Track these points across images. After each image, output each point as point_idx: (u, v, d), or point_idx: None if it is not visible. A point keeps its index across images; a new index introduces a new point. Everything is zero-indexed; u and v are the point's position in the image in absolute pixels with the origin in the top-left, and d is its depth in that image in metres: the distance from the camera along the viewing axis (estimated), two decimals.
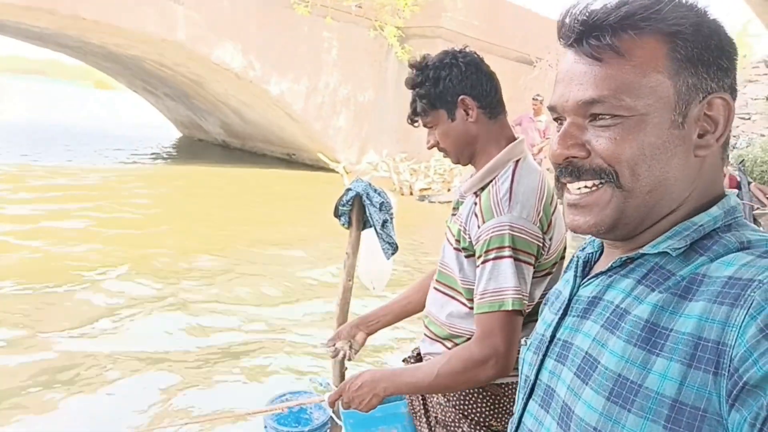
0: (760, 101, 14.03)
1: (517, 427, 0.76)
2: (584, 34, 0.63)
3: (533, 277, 1.28)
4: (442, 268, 1.46)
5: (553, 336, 0.73)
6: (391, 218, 1.92)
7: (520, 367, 0.81)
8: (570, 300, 0.73)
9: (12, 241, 5.77)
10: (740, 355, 0.51)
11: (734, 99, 0.64)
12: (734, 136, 13.59)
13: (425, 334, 1.51)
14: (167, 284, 4.98)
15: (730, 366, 0.52)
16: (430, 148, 1.48)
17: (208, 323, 4.24)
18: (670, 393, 0.55)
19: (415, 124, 1.47)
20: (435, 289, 1.48)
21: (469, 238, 1.32)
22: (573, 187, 0.67)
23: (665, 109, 0.61)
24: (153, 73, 14.96)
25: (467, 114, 1.37)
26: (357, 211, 1.95)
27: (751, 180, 9.60)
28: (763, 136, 12.78)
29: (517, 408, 0.78)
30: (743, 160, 10.54)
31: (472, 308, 1.34)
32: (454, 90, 1.36)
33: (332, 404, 1.40)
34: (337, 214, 1.97)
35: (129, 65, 15.12)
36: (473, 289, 1.31)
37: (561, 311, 0.73)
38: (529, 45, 14.29)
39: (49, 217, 6.96)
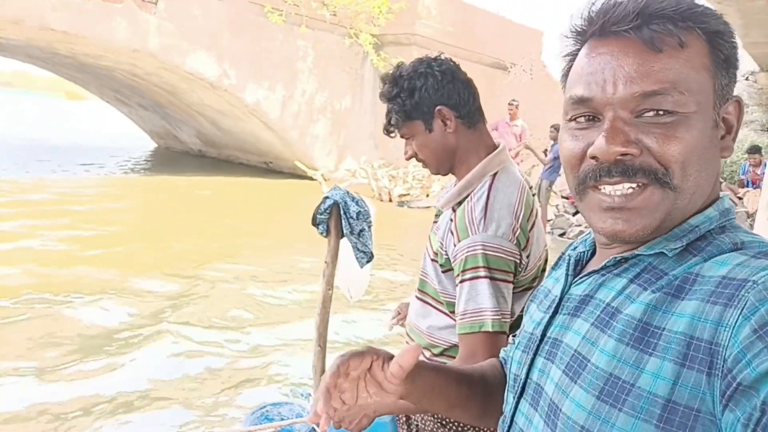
0: None
1: (509, 427, 0.75)
2: (645, 20, 0.60)
3: (513, 293, 1.26)
4: (423, 277, 1.44)
5: (543, 334, 0.72)
6: (369, 227, 1.91)
7: (508, 366, 0.80)
8: (561, 298, 0.72)
9: None
10: (734, 356, 0.51)
11: None
12: None
13: (407, 342, 1.50)
14: (142, 301, 4.89)
15: (723, 366, 0.51)
16: (408, 159, 1.44)
17: (183, 336, 4.16)
18: (663, 392, 0.54)
19: (392, 135, 1.43)
20: (416, 298, 1.47)
21: (446, 255, 1.31)
22: (614, 188, 0.62)
23: (709, 108, 0.61)
24: (125, 84, 14.74)
25: (445, 125, 1.34)
26: (335, 219, 1.94)
27: (721, 180, 9.86)
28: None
29: (507, 408, 0.77)
30: None
31: (454, 320, 1.33)
32: (430, 100, 1.32)
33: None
34: (315, 223, 1.96)
35: (100, 76, 14.88)
36: (453, 301, 1.30)
37: (552, 309, 0.73)
38: (503, 51, 14.49)
39: (21, 233, 6.78)
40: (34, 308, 4.44)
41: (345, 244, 1.95)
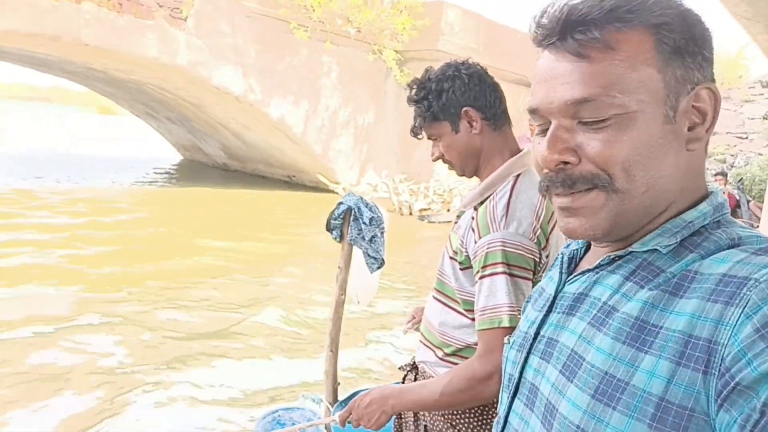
0: (757, 121, 14.14)
1: (503, 427, 0.74)
2: (568, 30, 0.60)
3: None
4: (440, 277, 1.46)
5: (537, 333, 0.71)
6: (382, 233, 1.92)
7: (503, 366, 0.79)
8: (555, 297, 0.72)
9: (14, 259, 5.78)
10: (733, 355, 0.49)
11: None
12: (732, 155, 13.66)
13: (420, 341, 1.51)
14: (159, 303, 4.97)
15: (721, 365, 0.50)
16: (434, 160, 1.48)
17: (197, 341, 4.21)
18: (657, 391, 0.53)
19: (419, 137, 1.47)
20: (433, 297, 1.48)
21: (467, 252, 1.32)
22: (561, 194, 0.64)
23: (657, 104, 0.59)
24: (154, 98, 15.14)
25: (471, 126, 1.37)
26: (348, 224, 1.96)
27: (750, 198, 9.63)
28: (761, 155, 12.83)
29: (501, 408, 0.76)
30: (742, 178, 10.59)
31: (469, 319, 1.34)
32: (457, 102, 1.35)
33: (343, 423, 1.41)
34: (329, 228, 1.98)
35: (131, 90, 15.32)
36: (471, 299, 1.31)
37: (546, 308, 0.72)
38: (526, 67, 14.47)
39: (45, 240, 6.98)
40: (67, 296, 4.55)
41: (357, 249, 1.96)
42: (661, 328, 0.56)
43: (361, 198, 1.97)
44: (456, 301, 1.39)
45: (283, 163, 15.14)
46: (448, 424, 1.38)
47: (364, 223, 1.91)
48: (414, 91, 1.41)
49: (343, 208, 1.93)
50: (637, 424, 0.54)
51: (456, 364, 1.37)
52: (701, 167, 0.65)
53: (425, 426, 1.43)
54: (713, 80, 0.63)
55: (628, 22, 0.59)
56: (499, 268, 1.22)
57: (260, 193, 13.19)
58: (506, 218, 1.25)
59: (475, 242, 1.28)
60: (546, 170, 0.64)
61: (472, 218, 1.33)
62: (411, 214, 11.78)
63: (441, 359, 1.42)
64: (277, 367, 3.92)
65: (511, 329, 1.19)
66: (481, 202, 1.34)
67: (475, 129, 1.37)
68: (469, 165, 1.41)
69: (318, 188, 13.88)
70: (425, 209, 11.93)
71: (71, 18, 9.63)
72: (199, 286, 5.65)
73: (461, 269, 1.35)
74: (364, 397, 1.34)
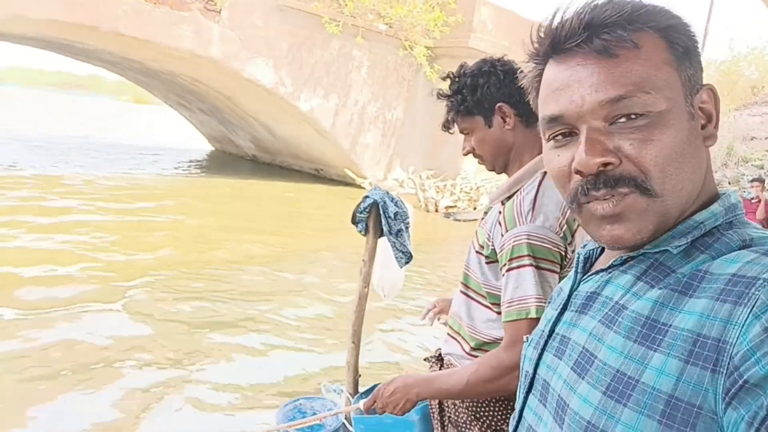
0: None
1: (518, 423, 0.76)
2: (593, 32, 0.61)
3: None
4: (466, 271, 1.47)
5: (552, 331, 0.73)
6: (407, 227, 1.94)
7: (521, 363, 0.81)
8: (570, 295, 0.74)
9: (41, 245, 5.97)
10: (742, 354, 0.50)
11: None
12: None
13: (447, 333, 1.53)
14: (186, 292, 5.07)
15: (729, 364, 0.51)
16: (465, 154, 1.49)
17: (219, 331, 4.29)
18: (666, 388, 0.54)
19: (450, 131, 1.49)
20: (460, 291, 1.50)
21: (493, 246, 1.33)
22: (604, 199, 0.62)
23: (681, 101, 0.61)
24: (187, 88, 15.39)
25: (504, 121, 1.38)
26: (374, 218, 1.98)
27: None
28: None
29: (517, 403, 0.78)
30: None
31: (495, 312, 1.35)
32: (491, 97, 1.37)
33: (367, 411, 1.43)
34: (354, 221, 2.00)
35: (165, 80, 15.60)
36: (497, 293, 1.33)
37: (561, 307, 0.74)
38: None
39: (74, 226, 7.18)
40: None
41: (382, 243, 1.98)
42: (671, 326, 0.57)
43: (387, 192, 1.98)
44: (482, 295, 1.40)
45: (311, 157, 15.26)
46: (473, 417, 1.40)
47: (389, 217, 1.92)
48: (449, 85, 1.44)
49: (368, 201, 1.95)
50: (648, 420, 0.55)
51: None
52: (710, 167, 0.67)
53: (449, 417, 1.45)
54: None
55: (645, 24, 0.61)
56: (526, 261, 1.23)
57: (289, 186, 13.31)
58: (533, 212, 1.26)
59: (502, 236, 1.29)
60: (581, 177, 0.62)
61: (500, 212, 1.35)
62: (437, 211, 11.74)
63: (467, 352, 1.43)
64: (299, 356, 3.97)
65: (538, 320, 1.20)
66: (509, 197, 1.35)
67: (508, 125, 1.38)
68: (500, 160, 1.43)
69: (345, 182, 13.95)
70: (451, 206, 11.88)
71: (109, 9, 9.86)
72: (226, 277, 5.75)
73: (487, 263, 1.36)
74: (388, 385, 1.36)
